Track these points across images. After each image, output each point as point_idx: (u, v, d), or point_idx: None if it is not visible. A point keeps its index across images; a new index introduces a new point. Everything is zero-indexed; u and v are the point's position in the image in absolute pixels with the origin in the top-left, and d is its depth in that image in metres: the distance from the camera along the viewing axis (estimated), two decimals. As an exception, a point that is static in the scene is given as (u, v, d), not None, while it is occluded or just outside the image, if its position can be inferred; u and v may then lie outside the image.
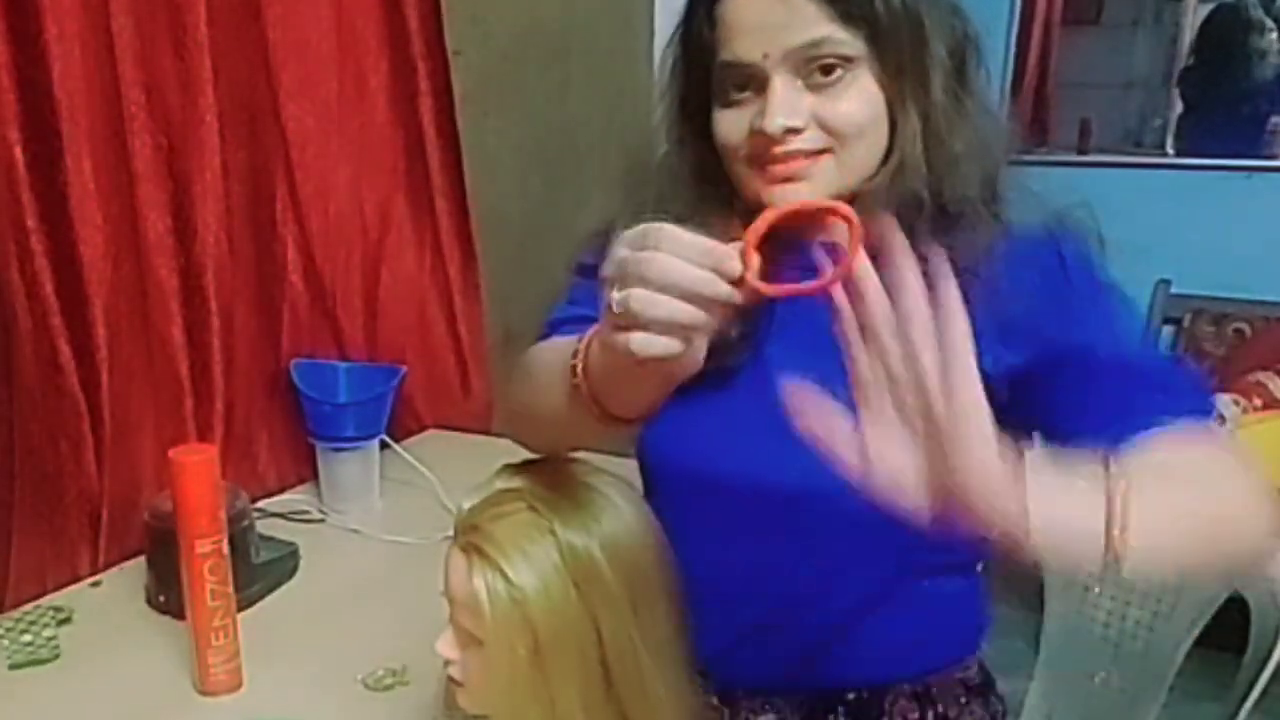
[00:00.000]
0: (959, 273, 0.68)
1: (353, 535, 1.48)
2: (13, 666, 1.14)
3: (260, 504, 1.53)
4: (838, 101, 0.85)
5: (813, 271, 0.66)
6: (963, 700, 0.97)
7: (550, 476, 0.82)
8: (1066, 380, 0.84)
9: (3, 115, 1.17)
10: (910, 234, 0.63)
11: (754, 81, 0.87)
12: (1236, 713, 1.15)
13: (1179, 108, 2.90)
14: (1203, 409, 0.81)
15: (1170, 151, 2.92)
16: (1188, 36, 2.84)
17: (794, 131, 0.86)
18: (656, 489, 0.97)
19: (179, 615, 1.12)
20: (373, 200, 1.71)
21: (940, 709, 0.95)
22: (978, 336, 0.64)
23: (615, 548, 0.79)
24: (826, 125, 0.86)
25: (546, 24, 2.14)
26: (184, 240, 1.41)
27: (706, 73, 0.90)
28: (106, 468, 1.32)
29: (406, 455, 1.60)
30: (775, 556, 0.95)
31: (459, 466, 1.61)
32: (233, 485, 1.26)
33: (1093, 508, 0.64)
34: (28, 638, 1.18)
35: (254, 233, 1.54)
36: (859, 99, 0.86)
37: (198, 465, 1.04)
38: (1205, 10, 2.81)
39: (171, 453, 1.04)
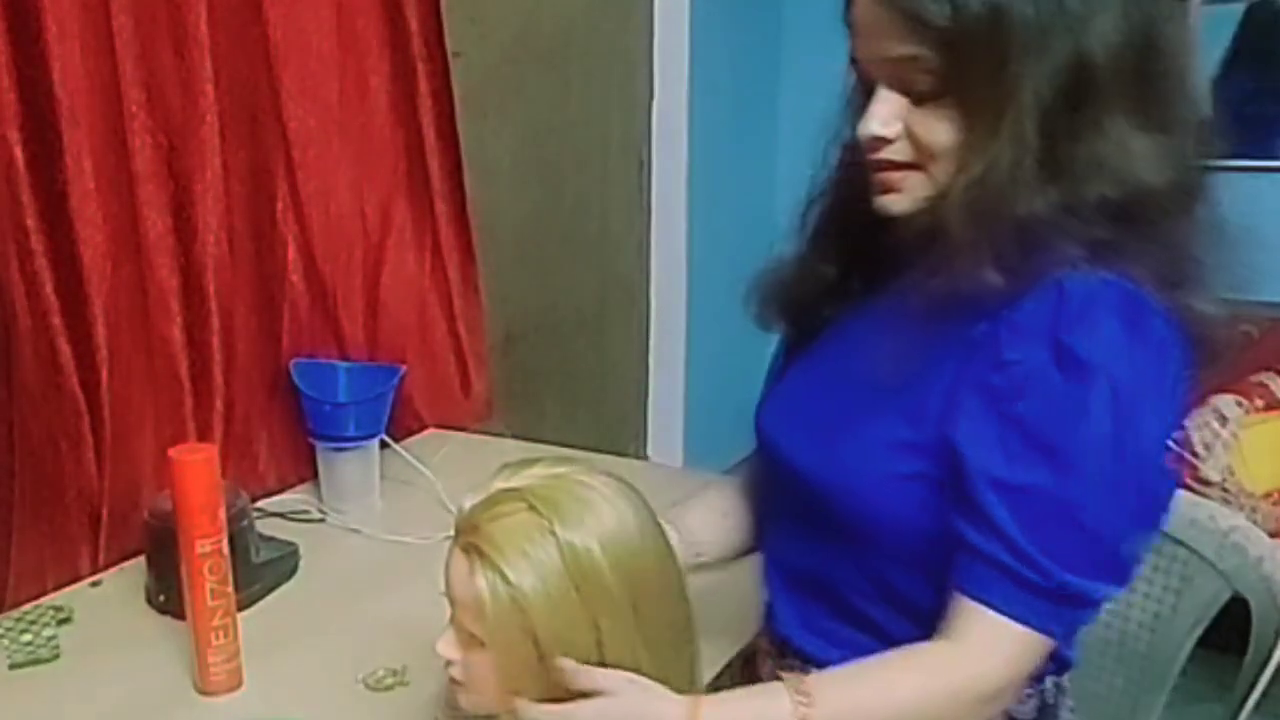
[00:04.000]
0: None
1: (353, 535, 1.48)
2: (13, 666, 1.14)
3: (260, 504, 1.52)
4: (928, 119, 0.83)
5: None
6: None
7: (551, 476, 0.82)
8: (954, 486, 0.83)
9: (3, 115, 1.17)
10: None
11: (870, 84, 0.86)
12: (1237, 713, 1.15)
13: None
14: (1024, 601, 0.80)
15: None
16: (1189, 37, 2.83)
17: (884, 140, 0.85)
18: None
19: (179, 615, 1.12)
20: (373, 201, 1.71)
21: None
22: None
23: (616, 548, 0.79)
24: (915, 141, 0.85)
25: (546, 25, 2.14)
26: (184, 240, 1.41)
27: None
28: (106, 468, 1.32)
29: (406, 455, 1.60)
30: (788, 537, 1.00)
31: (459, 466, 1.61)
32: (233, 485, 1.26)
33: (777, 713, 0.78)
34: (28, 638, 1.18)
35: (254, 233, 1.54)
36: (944, 121, 0.83)
37: (198, 465, 1.04)
38: (1236, 10, 2.80)
39: (171, 452, 1.04)
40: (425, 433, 1.84)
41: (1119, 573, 0.83)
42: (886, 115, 0.85)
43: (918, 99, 0.83)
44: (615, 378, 2.57)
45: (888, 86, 0.84)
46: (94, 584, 1.32)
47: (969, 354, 0.84)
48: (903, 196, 0.87)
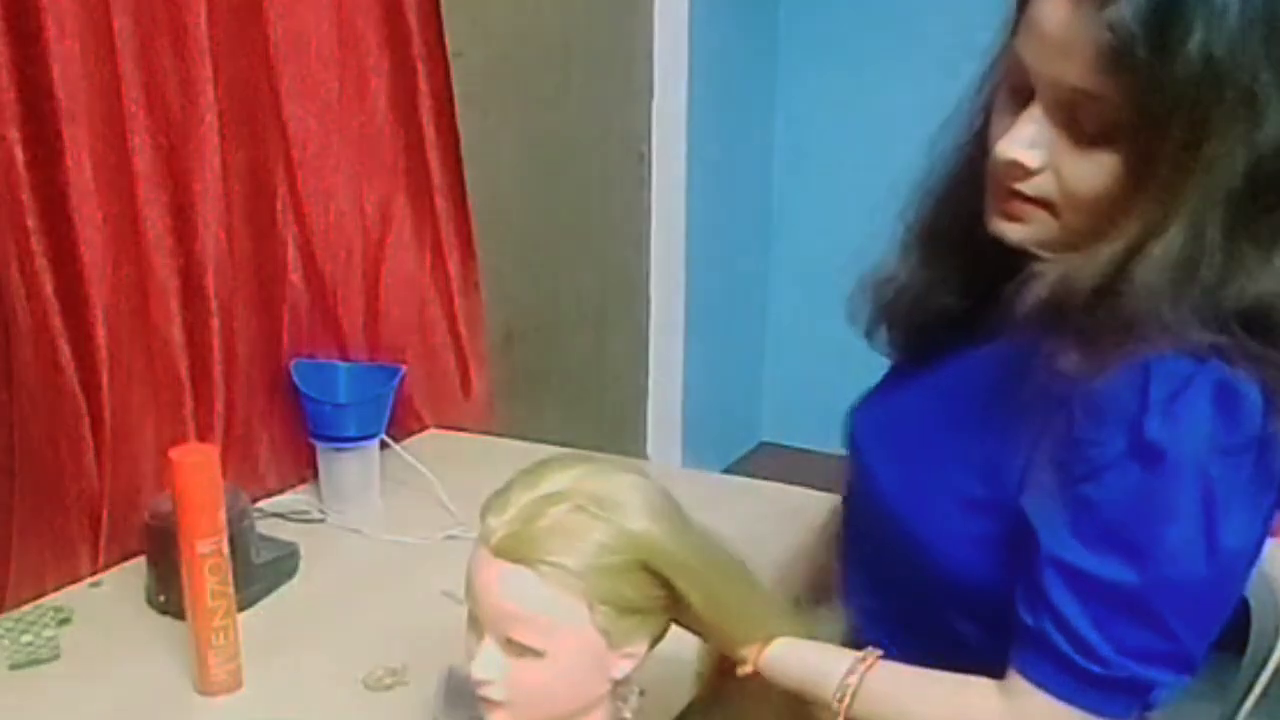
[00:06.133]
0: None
1: (353, 535, 1.48)
2: (13, 666, 1.14)
3: (260, 504, 1.52)
4: (1083, 161, 0.74)
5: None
6: None
7: (574, 478, 0.80)
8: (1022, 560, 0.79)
9: (3, 115, 1.17)
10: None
11: (1026, 91, 0.76)
12: (1236, 712, 1.15)
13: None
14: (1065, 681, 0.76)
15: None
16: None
17: (1022, 169, 0.76)
18: None
19: (179, 615, 1.12)
20: (373, 200, 1.71)
21: None
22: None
23: (667, 523, 0.80)
24: (1059, 180, 0.76)
25: (546, 24, 2.14)
26: (184, 240, 1.41)
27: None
28: (106, 468, 1.32)
29: (406, 455, 1.60)
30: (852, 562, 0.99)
31: (459, 466, 1.61)
32: (233, 485, 1.26)
33: (831, 670, 0.81)
34: (28, 638, 1.18)
35: (254, 233, 1.54)
36: (1103, 169, 0.74)
37: (198, 465, 1.04)
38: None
39: (171, 453, 1.05)
40: (425, 433, 1.84)
41: (1190, 664, 0.77)
42: (1034, 139, 0.75)
43: (1078, 137, 0.74)
44: (615, 376, 2.57)
45: (1048, 110, 0.74)
46: (94, 584, 1.32)
47: (1046, 422, 0.78)
48: (1023, 227, 0.80)
